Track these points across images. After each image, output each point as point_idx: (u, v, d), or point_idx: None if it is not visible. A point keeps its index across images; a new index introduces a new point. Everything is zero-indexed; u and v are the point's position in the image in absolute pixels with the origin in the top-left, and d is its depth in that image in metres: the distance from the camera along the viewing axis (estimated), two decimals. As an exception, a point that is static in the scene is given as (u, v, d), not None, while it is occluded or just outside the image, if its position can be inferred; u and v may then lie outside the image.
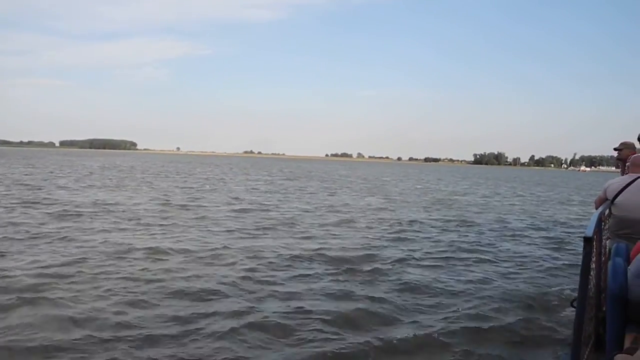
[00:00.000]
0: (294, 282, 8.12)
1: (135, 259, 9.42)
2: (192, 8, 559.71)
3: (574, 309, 2.93)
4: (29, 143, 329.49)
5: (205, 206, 18.99)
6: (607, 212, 4.56)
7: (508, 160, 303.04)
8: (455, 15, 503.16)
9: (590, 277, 3.10)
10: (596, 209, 4.46)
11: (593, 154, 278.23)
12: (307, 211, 18.76)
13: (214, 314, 6.45)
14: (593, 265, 3.22)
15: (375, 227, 15.18)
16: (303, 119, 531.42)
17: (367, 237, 12.95)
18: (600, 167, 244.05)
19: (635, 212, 4.34)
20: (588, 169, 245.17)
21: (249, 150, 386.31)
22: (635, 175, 4.52)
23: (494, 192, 38.32)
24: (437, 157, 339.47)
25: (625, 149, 5.47)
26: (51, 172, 39.93)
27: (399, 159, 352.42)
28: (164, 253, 9.97)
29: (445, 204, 25.31)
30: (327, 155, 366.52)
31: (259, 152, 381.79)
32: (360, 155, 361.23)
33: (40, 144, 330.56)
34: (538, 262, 10.88)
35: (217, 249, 10.51)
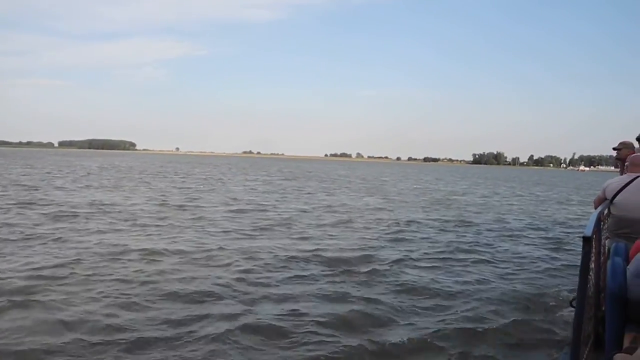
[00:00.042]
0: (289, 283, 8.03)
1: (129, 260, 9.32)
2: (192, 8, 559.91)
3: (573, 308, 2.91)
4: (28, 143, 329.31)
5: (202, 207, 18.90)
6: (606, 211, 4.53)
7: (507, 160, 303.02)
8: (455, 15, 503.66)
9: (590, 277, 3.09)
10: (595, 208, 4.42)
11: (592, 154, 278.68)
12: (305, 211, 18.67)
13: (207, 316, 6.35)
14: (592, 265, 3.21)
15: (373, 227, 15.09)
16: (302, 119, 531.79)
17: (365, 238, 12.86)
18: (600, 167, 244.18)
19: (634, 212, 4.32)
20: (587, 168, 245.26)
21: (248, 150, 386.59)
22: (634, 175, 4.49)
23: (493, 192, 38.25)
24: (436, 157, 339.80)
25: (624, 148, 5.43)
26: (48, 173, 39.81)
27: (398, 159, 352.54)
28: (159, 254, 9.88)
29: (443, 204, 25.23)
30: (326, 155, 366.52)
31: (258, 152, 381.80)
32: (359, 155, 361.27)
33: (40, 145, 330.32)
34: (537, 262, 10.81)
35: (212, 250, 10.42)
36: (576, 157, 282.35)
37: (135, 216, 15.36)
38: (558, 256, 11.56)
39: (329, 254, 10.32)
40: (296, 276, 8.45)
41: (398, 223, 16.25)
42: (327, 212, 18.63)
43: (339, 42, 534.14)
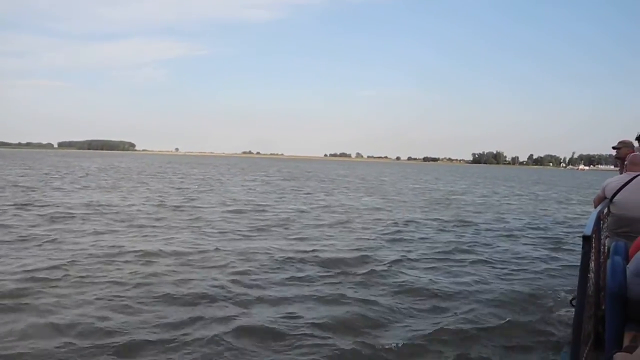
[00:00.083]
0: (285, 285, 7.92)
1: (124, 262, 9.22)
2: (191, 8, 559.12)
3: (573, 307, 2.89)
4: (28, 144, 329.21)
5: (199, 207, 18.80)
6: (605, 210, 4.51)
7: (507, 159, 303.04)
8: (454, 15, 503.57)
9: (590, 276, 3.07)
10: (595, 207, 4.36)
11: (592, 153, 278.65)
12: (303, 212, 18.58)
13: (200, 318, 6.26)
14: (592, 264, 3.20)
15: (371, 227, 14.99)
16: (302, 119, 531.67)
17: (363, 238, 12.76)
18: (599, 166, 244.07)
19: (633, 211, 4.33)
20: (587, 167, 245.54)
21: (248, 150, 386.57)
22: (633, 174, 4.52)
23: (492, 192, 38.16)
24: (436, 156, 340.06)
25: (623, 147, 5.43)
26: (47, 174, 39.69)
27: (398, 158, 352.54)
28: (154, 255, 9.77)
29: (442, 203, 25.14)
30: (325, 155, 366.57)
31: (258, 153, 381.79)
32: (359, 155, 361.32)
33: (39, 145, 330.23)
34: (536, 261, 10.73)
35: (208, 251, 10.32)
36: (576, 156, 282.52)
37: (132, 217, 15.27)
38: (557, 256, 11.48)
39: (326, 255, 10.23)
40: (292, 277, 8.35)
41: (397, 223, 16.16)
42: (325, 213, 18.53)
43: (339, 42, 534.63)
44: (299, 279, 8.30)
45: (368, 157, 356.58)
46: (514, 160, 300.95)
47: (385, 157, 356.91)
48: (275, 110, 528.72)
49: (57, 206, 17.32)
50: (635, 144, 5.49)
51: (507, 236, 14.36)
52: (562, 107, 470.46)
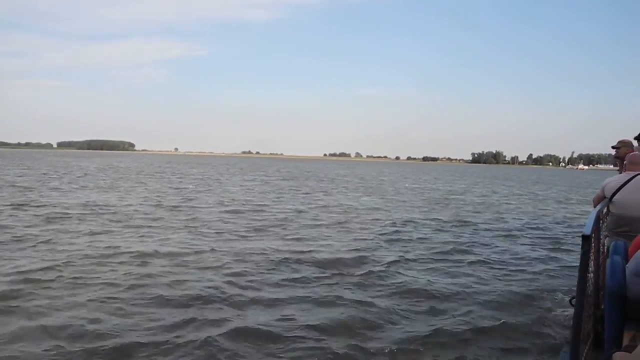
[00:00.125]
0: (280, 286, 7.83)
1: (119, 263, 9.13)
2: (191, 8, 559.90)
3: (572, 307, 2.87)
4: (27, 144, 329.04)
5: (197, 207, 18.70)
6: (605, 210, 4.49)
7: (506, 159, 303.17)
8: (454, 15, 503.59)
9: (589, 276, 3.06)
10: (594, 207, 4.35)
11: (591, 153, 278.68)
12: (301, 212, 18.48)
13: (193, 320, 6.17)
14: (591, 264, 3.20)
15: (369, 227, 14.90)
16: (302, 119, 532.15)
17: (360, 239, 12.66)
18: (599, 166, 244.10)
19: (633, 210, 4.33)
20: (586, 167, 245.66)
21: (248, 150, 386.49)
22: (632, 173, 4.52)
23: (492, 191, 38.08)
24: (436, 156, 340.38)
25: (623, 147, 5.41)
26: (45, 174, 39.58)
27: (397, 158, 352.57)
28: (150, 256, 9.68)
29: (441, 203, 25.05)
30: (325, 155, 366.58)
31: (257, 153, 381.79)
32: (358, 154, 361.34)
33: (38, 145, 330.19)
34: (535, 262, 10.66)
35: (204, 251, 10.22)
36: (575, 155, 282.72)
37: (129, 217, 15.17)
38: (557, 256, 11.40)
39: (323, 256, 10.13)
40: (288, 279, 8.25)
41: (395, 223, 16.07)
42: (323, 213, 18.44)
43: (339, 42, 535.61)
44: (295, 280, 8.20)
45: (367, 156, 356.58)
46: (514, 160, 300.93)
47: (385, 157, 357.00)
48: (275, 110, 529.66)
49: (54, 206, 17.22)
50: (635, 143, 5.47)
51: (506, 236, 14.27)
52: (561, 107, 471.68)
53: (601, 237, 4.16)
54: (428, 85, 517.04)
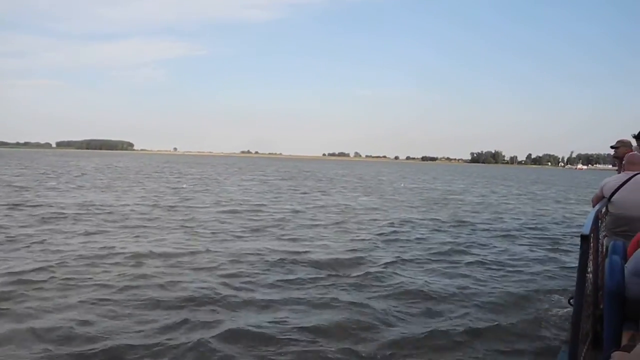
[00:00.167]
0: (275, 288, 7.73)
1: (112, 264, 9.03)
2: (191, 8, 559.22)
3: (571, 307, 2.87)
4: (26, 144, 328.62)
5: (194, 207, 18.59)
6: (604, 210, 4.48)
7: (505, 158, 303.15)
8: (454, 15, 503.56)
9: (588, 275, 3.07)
10: (593, 207, 4.31)
11: (590, 152, 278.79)
12: (298, 212, 18.39)
13: (186, 322, 6.07)
14: (590, 263, 3.20)
15: (367, 228, 14.81)
16: (301, 118, 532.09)
17: (357, 239, 12.57)
18: (597, 165, 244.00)
19: (631, 210, 4.32)
20: (585, 167, 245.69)
21: (247, 150, 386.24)
22: (631, 173, 4.49)
23: (490, 191, 38.01)
24: (435, 156, 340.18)
25: (622, 146, 5.37)
26: (43, 173, 39.47)
27: (397, 158, 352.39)
28: (144, 257, 9.58)
29: (440, 203, 24.96)
30: (324, 154, 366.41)
31: (256, 152, 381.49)
32: (357, 154, 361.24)
33: (37, 145, 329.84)
34: (534, 262, 10.58)
35: (199, 252, 10.12)
36: (574, 155, 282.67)
37: (125, 217, 15.07)
38: (555, 256, 11.32)
39: (319, 257, 10.03)
40: (283, 280, 8.15)
41: (393, 223, 15.97)
42: (321, 213, 18.35)
43: (339, 42, 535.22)
44: (290, 281, 8.10)
45: (366, 156, 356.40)
46: (513, 160, 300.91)
47: (384, 157, 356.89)
48: (274, 110, 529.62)
49: (50, 206, 17.12)
50: (634, 142, 5.41)
51: (505, 236, 14.18)
52: (560, 107, 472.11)
53: (600, 237, 4.13)
54: (428, 85, 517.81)
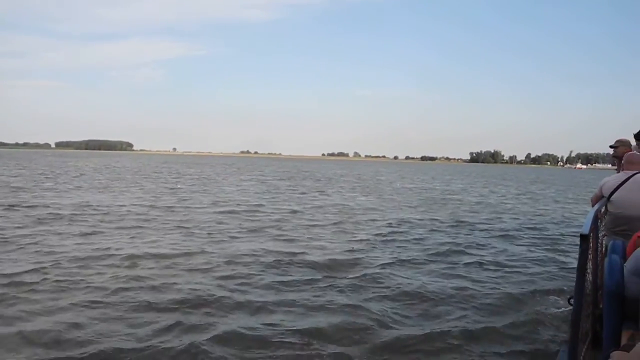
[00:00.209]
0: (270, 289, 7.62)
1: (106, 265, 8.92)
2: (190, 9, 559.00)
3: (570, 306, 2.87)
4: (25, 145, 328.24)
5: (191, 208, 18.48)
6: (603, 209, 4.52)
7: (504, 158, 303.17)
8: (454, 15, 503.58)
9: (587, 275, 3.09)
10: (592, 206, 4.31)
11: (589, 152, 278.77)
12: (296, 212, 18.29)
13: (178, 325, 5.97)
14: (590, 263, 3.21)
15: (364, 228, 14.71)
16: (300, 119, 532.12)
17: (355, 240, 12.46)
18: (597, 165, 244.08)
19: (631, 209, 4.34)
20: (584, 166, 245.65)
21: (246, 150, 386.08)
22: (630, 173, 4.51)
23: (490, 191, 37.92)
24: (434, 155, 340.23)
25: (621, 146, 5.38)
26: (41, 174, 39.33)
27: (396, 158, 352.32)
28: (139, 258, 9.47)
29: (438, 203, 24.88)
30: (323, 154, 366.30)
31: (256, 152, 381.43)
32: (356, 154, 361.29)
33: (36, 146, 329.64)
34: (533, 262, 10.50)
35: (194, 253, 10.02)
36: (573, 155, 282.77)
37: (121, 218, 14.97)
38: (554, 256, 11.24)
39: (315, 258, 9.92)
40: (279, 281, 8.04)
41: (391, 224, 15.87)
42: (319, 213, 18.25)
43: (338, 42, 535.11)
44: (286, 283, 7.99)
45: (366, 156, 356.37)
46: (512, 159, 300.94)
47: (383, 157, 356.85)
48: (273, 110, 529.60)
49: (46, 207, 17.02)
50: (633, 142, 5.41)
51: (503, 236, 14.09)
52: (560, 107, 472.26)
53: (599, 236, 4.16)
54: (427, 85, 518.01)
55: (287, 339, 5.66)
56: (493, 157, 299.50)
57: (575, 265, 2.76)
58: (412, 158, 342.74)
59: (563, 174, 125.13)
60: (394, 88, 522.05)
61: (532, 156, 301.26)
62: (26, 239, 11.10)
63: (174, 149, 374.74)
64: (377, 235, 13.41)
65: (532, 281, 8.72)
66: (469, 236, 13.88)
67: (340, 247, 11.26)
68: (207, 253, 10.05)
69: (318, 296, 7.30)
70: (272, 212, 17.79)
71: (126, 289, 7.38)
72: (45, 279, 7.80)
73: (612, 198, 4.48)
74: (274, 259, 9.64)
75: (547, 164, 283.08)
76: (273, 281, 8.04)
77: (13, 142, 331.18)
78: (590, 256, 3.15)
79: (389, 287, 7.93)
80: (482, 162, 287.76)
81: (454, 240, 12.91)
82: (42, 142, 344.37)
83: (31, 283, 7.53)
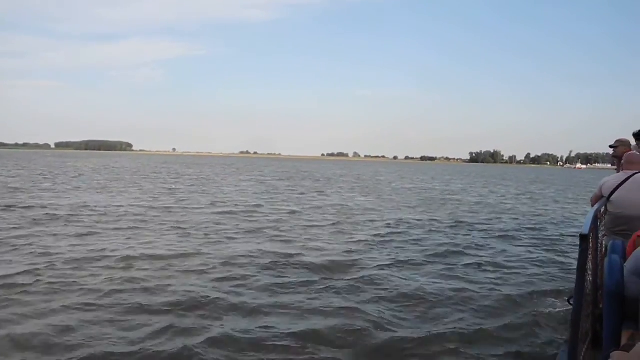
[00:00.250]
0: (265, 291, 7.51)
1: (101, 267, 8.82)
2: (190, 9, 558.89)
3: (570, 306, 2.88)
4: (25, 145, 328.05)
5: (188, 208, 18.38)
6: (603, 209, 4.54)
7: (504, 158, 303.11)
8: (454, 15, 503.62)
9: (587, 275, 3.09)
10: (592, 206, 4.33)
11: (589, 152, 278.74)
12: (294, 212, 18.20)
13: (170, 328, 5.87)
14: (590, 263, 3.21)
15: (363, 229, 14.61)
16: (300, 119, 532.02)
17: (352, 241, 12.37)
18: (596, 165, 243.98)
19: (630, 209, 4.35)
20: (584, 166, 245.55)
21: (246, 150, 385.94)
22: (630, 172, 4.50)
23: (489, 191, 37.83)
24: (433, 155, 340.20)
25: (620, 146, 5.38)
26: (39, 175, 39.22)
27: (395, 158, 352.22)
28: (134, 260, 9.37)
29: (438, 203, 24.78)
30: (323, 155, 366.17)
31: (255, 153, 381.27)
32: (356, 154, 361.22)
33: (36, 146, 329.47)
34: (533, 262, 10.43)
35: (190, 255, 9.92)
36: (573, 155, 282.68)
37: (118, 219, 14.87)
38: (554, 256, 11.17)
39: (312, 259, 9.83)
40: (275, 284, 7.92)
41: (389, 224, 15.78)
42: (317, 214, 18.16)
43: (338, 42, 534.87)
44: (281, 285, 7.88)
45: (365, 156, 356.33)
46: (512, 159, 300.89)
47: (383, 157, 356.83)
48: (273, 110, 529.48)
49: (43, 208, 16.92)
50: (633, 142, 5.40)
51: (503, 237, 13.99)
52: (560, 107, 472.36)
53: (599, 236, 4.16)
54: (427, 85, 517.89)
55: (282, 342, 5.57)
56: (493, 157, 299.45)
57: (575, 265, 2.78)
58: (412, 158, 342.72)
59: (563, 174, 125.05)
60: (393, 88, 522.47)
61: (531, 156, 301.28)
62: (21, 240, 11.00)
63: (174, 149, 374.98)
64: (375, 236, 13.31)
65: (531, 282, 8.65)
66: (468, 237, 13.79)
67: (338, 248, 11.17)
68: (203, 254, 9.96)
69: (314, 298, 7.21)
70: (270, 213, 17.70)
71: (120, 291, 7.29)
72: (38, 280, 7.71)
73: (612, 198, 4.48)
74: (270, 260, 9.55)
75: (546, 164, 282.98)
76: (269, 283, 7.94)
77: (13, 142, 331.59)
78: (590, 256, 3.14)
79: (387, 289, 7.84)
80: (482, 162, 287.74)
81: (452, 241, 12.82)
82: (42, 143, 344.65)
83: (24, 285, 7.44)
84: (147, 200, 20.74)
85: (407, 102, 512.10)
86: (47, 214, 15.37)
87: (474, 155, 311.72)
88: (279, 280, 8.13)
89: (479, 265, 10.00)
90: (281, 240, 12.03)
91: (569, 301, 3.82)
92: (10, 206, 16.90)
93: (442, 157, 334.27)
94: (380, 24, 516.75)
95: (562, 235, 14.86)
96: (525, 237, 14.22)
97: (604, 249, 4.32)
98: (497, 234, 14.44)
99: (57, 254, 9.72)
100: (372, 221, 16.43)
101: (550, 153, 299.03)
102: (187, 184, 33.45)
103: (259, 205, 20.17)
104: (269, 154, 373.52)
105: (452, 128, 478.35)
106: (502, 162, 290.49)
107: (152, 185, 31.43)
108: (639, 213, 4.25)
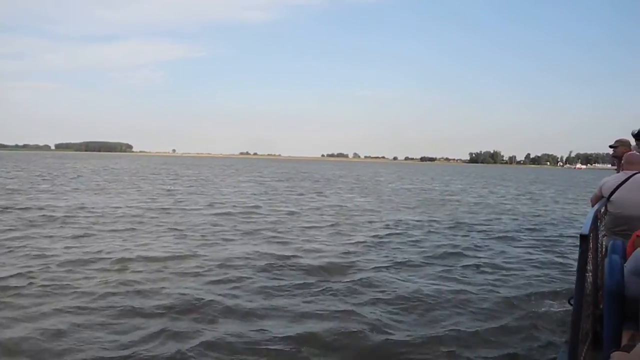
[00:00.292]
0: (261, 294, 7.41)
1: (96, 269, 8.74)
2: (190, 10, 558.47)
3: (571, 306, 2.86)
4: (24, 146, 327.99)
5: (186, 209, 18.30)
6: (603, 209, 4.51)
7: (504, 158, 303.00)
8: (454, 15, 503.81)
9: (587, 275, 3.08)
10: (592, 206, 4.32)
11: (589, 152, 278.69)
12: (293, 213, 18.11)
13: (164, 332, 5.79)
14: (590, 263, 3.20)
15: (361, 230, 14.52)
16: (300, 119, 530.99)
17: (351, 242, 12.27)
18: (596, 165, 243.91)
19: (630, 209, 4.34)
20: (584, 166, 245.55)
21: (245, 151, 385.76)
22: (630, 173, 4.48)
23: (489, 192, 37.76)
24: (433, 156, 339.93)
25: (620, 146, 5.35)
26: (38, 176, 39.13)
27: (395, 158, 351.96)
28: (130, 262, 9.29)
29: (437, 204, 24.70)
30: (323, 155, 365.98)
31: (255, 153, 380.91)
32: (356, 155, 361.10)
33: (36, 147, 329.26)
34: (532, 263, 10.37)
35: (186, 257, 9.83)
36: (573, 155, 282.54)
37: (115, 220, 14.80)
38: (554, 258, 11.09)
39: (309, 261, 9.74)
40: (271, 286, 7.83)
41: (388, 225, 15.70)
42: (315, 215, 18.07)
43: (338, 43, 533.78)
44: (277, 287, 7.79)
45: (365, 157, 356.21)
46: (512, 160, 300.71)
47: (383, 157, 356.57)
48: (273, 111, 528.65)
49: (40, 209, 16.82)
50: (632, 142, 5.36)
51: (502, 238, 13.91)
52: (560, 107, 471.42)
53: (599, 236, 4.13)
54: (427, 85, 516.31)
55: (277, 345, 5.49)
56: (492, 158, 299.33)
57: (574, 266, 2.75)
58: (412, 159, 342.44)
59: (563, 174, 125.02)
60: (393, 88, 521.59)
61: (531, 156, 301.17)
62: (16, 242, 10.93)
63: (174, 150, 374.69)
64: (373, 237, 13.23)
65: (530, 284, 8.58)
66: (467, 238, 13.70)
67: (336, 250, 11.08)
68: (199, 256, 9.87)
69: (310, 301, 7.13)
70: (269, 214, 17.61)
71: (113, 294, 7.20)
72: (31, 283, 7.62)
73: (611, 198, 4.46)
74: (267, 262, 9.46)
75: (546, 164, 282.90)
76: (265, 285, 7.85)
77: (13, 143, 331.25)
78: (590, 256, 3.13)
79: (384, 291, 7.76)
80: (482, 162, 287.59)
81: (451, 242, 12.74)
82: (41, 144, 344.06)
83: (17, 287, 7.36)
84: (145, 202, 20.65)
85: (407, 102, 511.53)
86: (43, 215, 15.28)
87: (473, 155, 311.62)
88: (275, 283, 8.04)
89: (478, 266, 9.92)
90: (278, 242, 11.94)
91: (569, 301, 3.69)
92: (7, 208, 16.80)
93: (442, 158, 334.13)
94: (380, 25, 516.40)
95: (561, 235, 14.78)
96: (524, 237, 14.14)
97: (604, 249, 4.29)
98: (497, 235, 14.36)
99: (52, 256, 9.64)
100: (370, 222, 16.35)
101: (550, 153, 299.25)
102: (185, 185, 33.38)
103: (257, 207, 20.08)
104: (268, 154, 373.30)
105: (452, 128, 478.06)
106: (502, 163, 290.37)
107: (151, 186, 31.34)
108: (639, 213, 4.23)
